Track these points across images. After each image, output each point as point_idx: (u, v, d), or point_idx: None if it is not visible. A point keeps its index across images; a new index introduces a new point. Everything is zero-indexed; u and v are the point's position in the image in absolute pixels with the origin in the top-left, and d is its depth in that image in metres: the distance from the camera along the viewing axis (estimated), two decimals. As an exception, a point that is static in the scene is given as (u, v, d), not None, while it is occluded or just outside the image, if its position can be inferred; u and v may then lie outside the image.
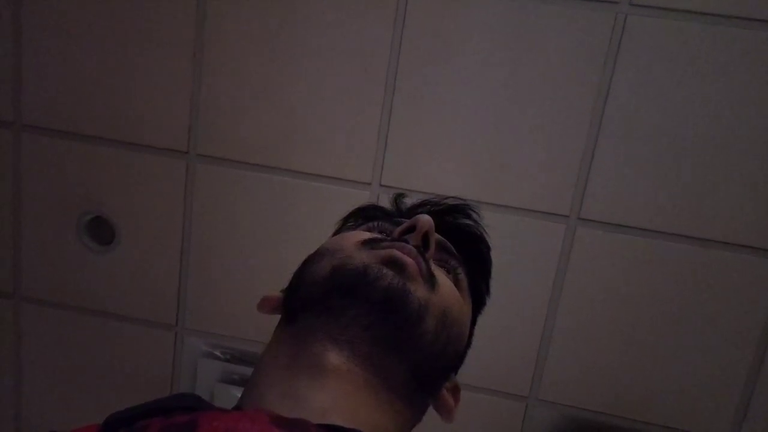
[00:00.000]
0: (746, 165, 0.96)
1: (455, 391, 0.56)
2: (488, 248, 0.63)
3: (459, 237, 0.60)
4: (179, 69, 1.08)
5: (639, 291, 1.03)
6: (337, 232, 0.65)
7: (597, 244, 1.03)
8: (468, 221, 0.62)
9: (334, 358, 0.44)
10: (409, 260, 0.48)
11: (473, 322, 0.60)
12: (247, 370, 1.18)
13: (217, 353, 1.21)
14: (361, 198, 1.08)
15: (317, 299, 0.48)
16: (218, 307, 1.17)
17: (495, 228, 1.06)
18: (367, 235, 0.53)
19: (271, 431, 0.36)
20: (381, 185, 1.07)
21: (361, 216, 0.63)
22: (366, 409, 0.44)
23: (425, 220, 0.51)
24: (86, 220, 1.18)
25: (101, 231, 1.19)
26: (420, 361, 0.47)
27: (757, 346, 1.01)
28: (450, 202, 0.63)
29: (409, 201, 0.64)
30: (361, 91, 1.04)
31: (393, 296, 0.45)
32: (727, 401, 1.04)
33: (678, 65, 0.95)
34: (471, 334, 0.60)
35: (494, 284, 1.09)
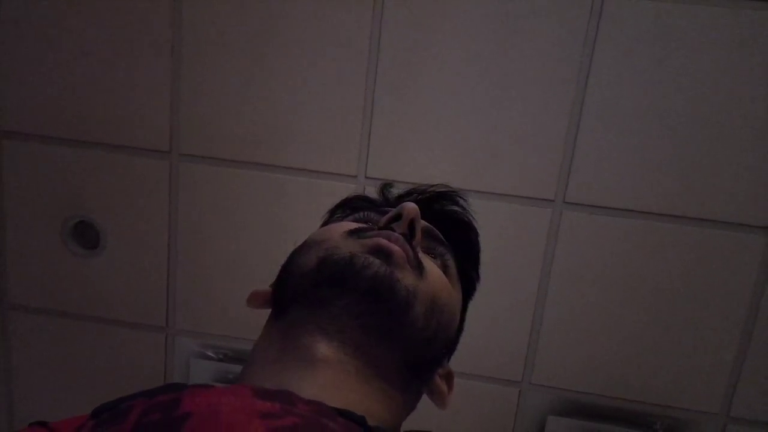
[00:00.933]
0: (729, 143, 0.97)
1: (449, 377, 0.56)
2: (476, 234, 0.63)
3: (447, 224, 0.60)
4: (158, 68, 1.07)
5: (627, 272, 1.04)
6: (324, 225, 0.65)
7: (583, 227, 1.03)
8: (456, 208, 0.62)
9: (324, 348, 0.44)
10: (395, 248, 0.47)
11: (464, 309, 0.60)
12: (241, 369, 1.18)
13: (210, 353, 1.20)
14: (348, 191, 1.07)
15: (306, 291, 0.47)
16: (209, 306, 1.17)
17: (481, 215, 1.07)
18: (354, 225, 0.52)
19: (254, 403, 0.36)
20: (366, 177, 1.07)
21: (348, 207, 0.63)
22: (358, 396, 0.44)
23: (410, 207, 0.51)
24: (71, 225, 1.16)
25: (86, 235, 1.18)
26: (411, 349, 0.47)
27: (745, 322, 1.03)
28: (437, 189, 0.63)
29: (396, 190, 0.64)
30: (343, 83, 1.04)
31: (380, 284, 0.45)
32: (716, 378, 1.06)
33: (656, 45, 0.95)
34: (462, 320, 0.60)
35: (483, 271, 1.10)
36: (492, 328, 1.09)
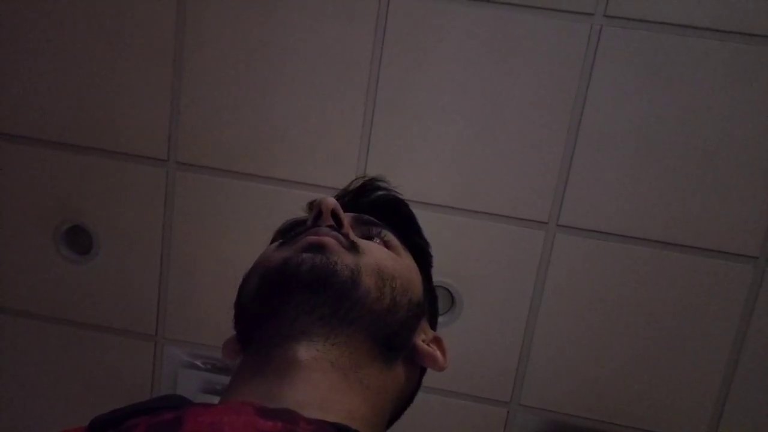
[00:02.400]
0: (720, 172, 0.99)
1: (437, 341, 0.57)
2: (405, 204, 0.64)
3: (377, 209, 0.62)
4: (159, 76, 1.07)
5: (617, 296, 1.05)
6: None
7: (576, 251, 1.04)
8: (379, 192, 0.64)
9: (295, 352, 0.45)
10: (325, 239, 0.49)
11: (427, 277, 0.61)
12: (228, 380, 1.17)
13: (198, 363, 1.20)
14: (343, 206, 1.08)
15: (258, 311, 0.49)
16: (199, 316, 1.16)
17: (475, 235, 1.08)
18: (282, 238, 0.54)
19: (257, 422, 0.37)
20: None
21: (282, 232, 0.64)
22: (338, 395, 0.44)
23: (327, 200, 0.52)
24: (64, 230, 1.16)
25: (79, 241, 1.17)
26: (374, 321, 0.48)
27: (731, 349, 1.04)
28: (355, 184, 0.65)
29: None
30: (343, 99, 1.05)
31: (320, 272, 0.46)
32: (703, 403, 1.06)
33: (652, 75, 0.97)
34: (431, 288, 0.61)
35: (476, 289, 1.10)
36: (482, 348, 1.10)
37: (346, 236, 0.51)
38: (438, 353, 0.54)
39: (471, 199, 1.05)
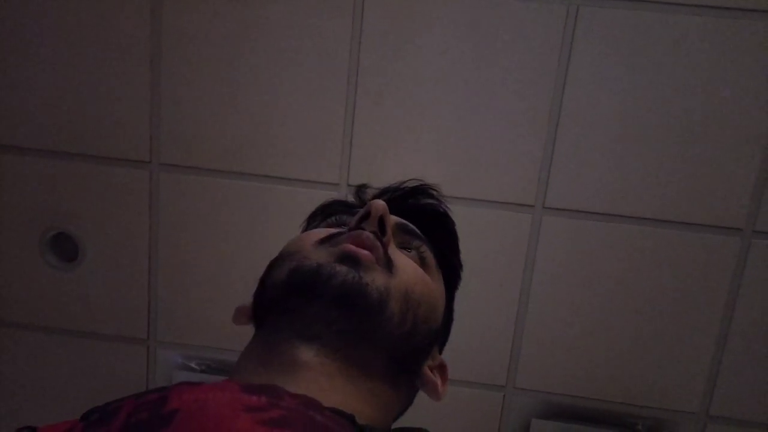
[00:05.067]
0: (705, 147, 1.00)
1: (441, 369, 0.56)
2: (453, 223, 0.64)
3: (423, 217, 0.61)
4: (137, 77, 1.06)
5: (606, 275, 1.06)
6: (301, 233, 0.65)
7: (563, 232, 1.05)
8: (430, 201, 0.63)
9: (304, 353, 0.45)
10: (363, 252, 0.48)
11: (451, 298, 0.61)
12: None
13: (193, 365, 1.19)
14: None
15: (278, 301, 0.48)
16: (191, 317, 1.16)
17: (463, 221, 1.08)
18: (324, 232, 0.53)
19: (241, 397, 0.37)
20: (349, 185, 1.07)
21: (325, 212, 0.63)
22: (342, 397, 0.44)
23: (378, 204, 0.51)
24: (48, 237, 1.15)
25: (65, 247, 1.16)
26: (391, 346, 0.48)
27: (721, 323, 1.05)
28: (410, 185, 0.64)
29: (371, 191, 0.65)
30: (324, 91, 1.04)
31: (349, 292, 0.46)
32: (695, 378, 1.08)
33: (632, 53, 0.97)
34: (451, 310, 0.61)
35: (465, 277, 1.11)
36: (475, 334, 1.10)
37: (385, 250, 0.50)
38: (439, 383, 0.54)
39: (456, 186, 1.05)
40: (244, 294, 1.21)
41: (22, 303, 1.18)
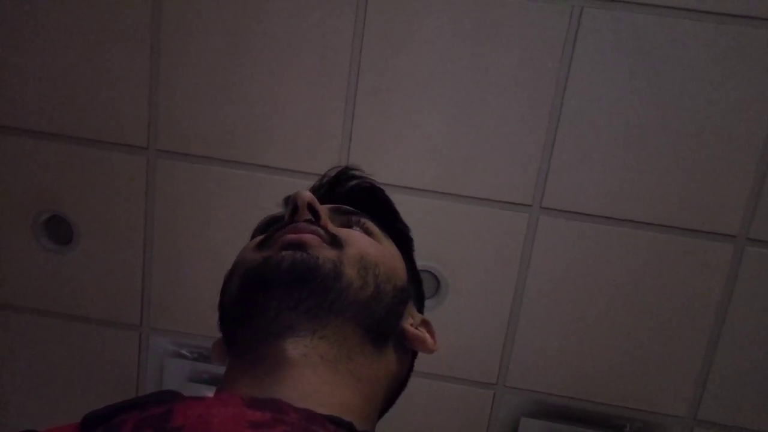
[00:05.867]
0: (701, 153, 1.00)
1: (425, 324, 0.57)
2: (382, 191, 0.64)
3: (355, 198, 0.62)
4: (137, 63, 1.05)
5: (600, 277, 1.06)
6: None
7: (559, 233, 1.05)
8: (354, 181, 0.64)
9: (282, 348, 0.45)
10: (305, 236, 0.48)
11: (410, 260, 0.61)
12: (216, 368, 1.17)
13: (185, 352, 1.19)
14: (327, 191, 1.07)
15: (241, 310, 0.48)
16: (184, 305, 1.16)
17: (460, 219, 1.08)
18: (261, 237, 0.53)
19: (245, 413, 0.37)
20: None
21: (259, 233, 0.64)
22: (329, 388, 0.44)
23: (303, 194, 0.52)
24: (43, 220, 1.14)
25: (59, 230, 1.16)
26: (361, 310, 0.48)
27: (712, 328, 1.06)
28: (330, 174, 0.65)
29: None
30: (324, 83, 1.04)
31: (302, 267, 0.46)
32: (684, 382, 1.08)
33: (633, 56, 0.98)
34: (414, 270, 0.61)
35: (460, 272, 1.11)
36: (468, 331, 1.10)
37: (326, 229, 0.50)
38: (427, 335, 0.54)
39: (454, 184, 1.05)
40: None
41: (15, 285, 1.18)
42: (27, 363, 1.22)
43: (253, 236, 0.64)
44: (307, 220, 0.50)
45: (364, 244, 0.52)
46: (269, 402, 0.39)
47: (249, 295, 0.47)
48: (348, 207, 0.59)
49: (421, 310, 0.61)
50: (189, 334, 1.17)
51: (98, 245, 1.14)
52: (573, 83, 0.99)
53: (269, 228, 0.60)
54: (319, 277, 0.46)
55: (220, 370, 1.29)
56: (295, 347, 0.45)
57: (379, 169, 1.05)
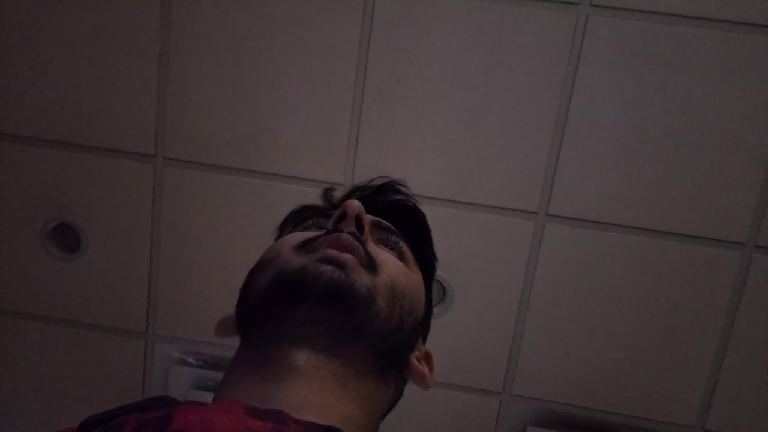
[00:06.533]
0: (709, 160, 1.00)
1: (427, 358, 0.57)
2: (423, 216, 0.64)
3: (394, 213, 0.62)
4: (145, 70, 1.06)
5: (607, 284, 1.05)
6: (276, 240, 0.65)
7: (565, 240, 1.05)
8: (399, 196, 0.64)
9: (295, 356, 0.45)
10: (345, 256, 0.48)
11: (428, 289, 0.61)
12: (221, 376, 1.17)
13: (190, 360, 1.19)
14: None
15: (263, 308, 0.48)
16: (190, 312, 1.16)
17: (465, 225, 1.08)
18: (301, 236, 0.53)
19: (246, 422, 0.37)
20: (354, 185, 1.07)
21: (297, 219, 0.64)
22: (335, 401, 0.44)
23: (354, 204, 0.52)
24: (50, 228, 1.15)
25: (66, 238, 1.16)
26: (380, 340, 0.48)
27: (720, 336, 1.05)
28: (377, 182, 0.65)
29: (338, 193, 0.66)
30: (331, 91, 1.04)
31: (337, 289, 0.46)
32: (692, 391, 1.08)
33: (639, 64, 0.98)
34: (429, 300, 0.61)
35: (466, 280, 1.10)
36: (474, 339, 1.10)
37: (366, 249, 0.50)
38: (427, 373, 0.55)
39: (460, 191, 1.05)
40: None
41: (22, 292, 1.18)
42: (32, 369, 1.22)
43: (284, 225, 0.65)
44: (350, 232, 0.50)
45: (397, 273, 0.52)
46: (271, 412, 0.39)
47: (277, 298, 0.47)
48: (389, 224, 0.59)
49: (425, 339, 0.61)
50: (195, 342, 1.17)
51: (105, 253, 1.14)
52: (579, 91, 0.99)
53: (303, 220, 0.61)
54: (351, 300, 0.46)
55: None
56: (308, 359, 0.45)
57: (385, 174, 1.05)
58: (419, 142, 1.04)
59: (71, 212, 1.13)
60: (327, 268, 0.46)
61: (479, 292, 1.08)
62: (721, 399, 1.07)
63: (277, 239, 0.64)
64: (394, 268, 0.52)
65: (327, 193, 0.66)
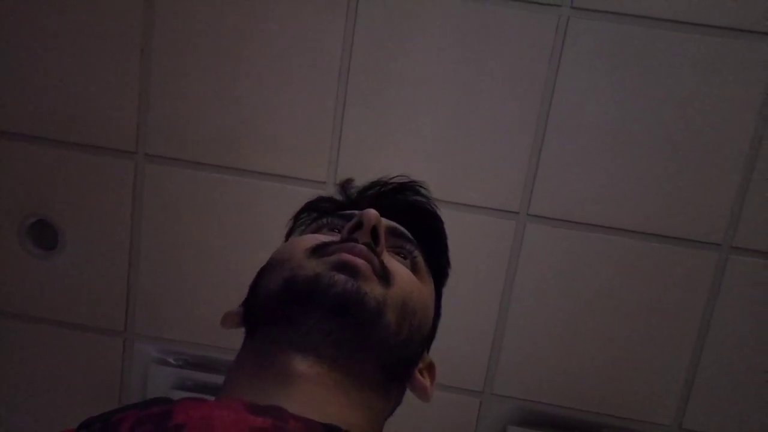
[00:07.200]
0: (686, 162, 1.01)
1: (430, 368, 0.57)
2: (441, 222, 0.63)
3: (412, 215, 0.60)
4: (127, 67, 1.05)
5: (586, 284, 1.06)
6: (289, 232, 0.65)
7: (546, 240, 1.05)
8: (419, 198, 0.63)
9: (300, 364, 0.45)
10: (360, 261, 0.47)
11: (438, 296, 0.60)
12: (202, 376, 1.16)
13: (170, 359, 1.18)
14: (316, 197, 1.07)
15: (273, 311, 0.48)
16: (170, 311, 1.15)
17: (447, 225, 1.08)
18: (315, 241, 0.52)
19: (247, 418, 0.37)
20: (336, 184, 1.07)
21: (311, 209, 0.63)
22: (337, 408, 0.44)
23: (371, 215, 0.50)
24: (28, 224, 1.13)
25: (44, 235, 1.15)
26: (386, 355, 0.48)
27: (698, 334, 1.06)
28: (398, 180, 0.63)
29: (357, 186, 0.64)
30: (315, 90, 1.04)
31: (348, 300, 0.45)
32: (670, 391, 1.09)
33: (619, 66, 0.99)
34: (438, 308, 0.60)
35: (448, 280, 1.10)
36: (454, 338, 1.10)
37: (381, 260, 0.49)
38: (428, 386, 0.54)
39: (442, 190, 1.05)
40: (225, 289, 1.19)
41: (-3, 290, 1.16)
42: (9, 367, 1.20)
43: (298, 216, 0.63)
44: (365, 243, 0.49)
45: (409, 288, 0.51)
46: (271, 409, 0.39)
47: (289, 303, 0.47)
48: (405, 231, 0.57)
49: (429, 348, 0.60)
50: (174, 341, 1.16)
51: (84, 250, 1.13)
52: (560, 92, 1.01)
53: (318, 214, 0.60)
54: (360, 313, 0.46)
55: (204, 377, 1.27)
56: (312, 367, 0.45)
57: (367, 175, 1.05)
58: (402, 140, 1.05)
59: (50, 209, 1.12)
60: (341, 278, 0.46)
61: (460, 290, 1.08)
62: (697, 399, 1.08)
63: (289, 233, 0.63)
64: (407, 281, 0.51)
65: (344, 186, 0.64)
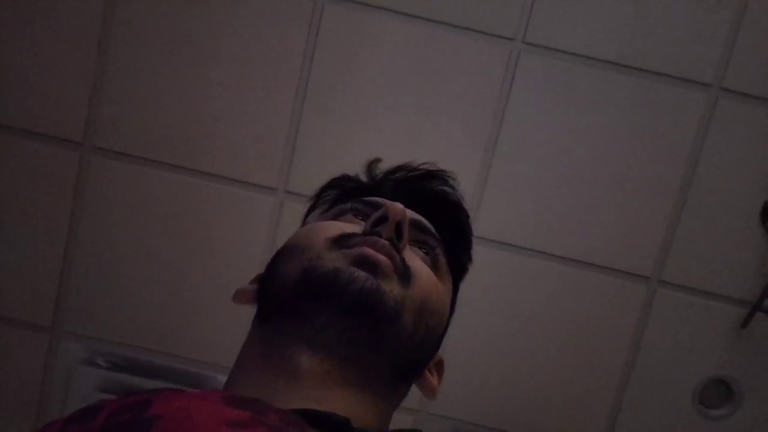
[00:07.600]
0: (621, 195, 1.07)
1: (439, 365, 0.57)
2: (467, 216, 0.62)
3: (437, 205, 0.59)
4: (82, 56, 1.04)
5: (522, 308, 1.09)
6: (311, 208, 0.64)
7: (483, 261, 1.08)
8: (445, 188, 0.61)
9: (309, 360, 0.44)
10: (381, 257, 0.46)
11: (455, 291, 0.60)
12: (132, 380, 1.12)
13: (99, 360, 1.13)
14: (264, 204, 1.07)
15: (288, 302, 0.47)
16: (104, 310, 1.11)
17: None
18: (336, 229, 0.51)
19: (223, 410, 0.36)
20: (286, 191, 1.07)
21: (334, 186, 0.62)
22: (344, 404, 0.44)
23: (397, 209, 0.49)
24: (-41, 209, 1.08)
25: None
26: (399, 356, 0.47)
27: (625, 361, 1.10)
28: (427, 167, 0.62)
29: (383, 167, 0.63)
30: (272, 96, 1.05)
31: (367, 299, 0.45)
32: (599, 412, 1.12)
33: (565, 100, 1.05)
34: (454, 303, 0.59)
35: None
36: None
37: (402, 257, 0.48)
38: (436, 385, 0.55)
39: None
40: (163, 291, 1.16)
41: None
42: None
43: (320, 194, 0.63)
44: (389, 238, 0.48)
45: (429, 289, 0.50)
46: (250, 401, 0.38)
47: (304, 296, 0.46)
48: (428, 224, 0.56)
49: (439, 345, 0.60)
50: (105, 341, 1.11)
51: (17, 240, 1.08)
52: (508, 120, 1.05)
53: (340, 197, 0.59)
54: (378, 313, 0.45)
55: (134, 382, 1.22)
56: (322, 364, 0.44)
57: (317, 183, 1.06)
58: (355, 152, 1.06)
59: (-16, 195, 1.08)
60: (361, 275, 0.45)
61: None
62: (625, 421, 1.11)
63: (310, 209, 0.62)
64: (426, 282, 0.50)
65: (370, 167, 0.63)
